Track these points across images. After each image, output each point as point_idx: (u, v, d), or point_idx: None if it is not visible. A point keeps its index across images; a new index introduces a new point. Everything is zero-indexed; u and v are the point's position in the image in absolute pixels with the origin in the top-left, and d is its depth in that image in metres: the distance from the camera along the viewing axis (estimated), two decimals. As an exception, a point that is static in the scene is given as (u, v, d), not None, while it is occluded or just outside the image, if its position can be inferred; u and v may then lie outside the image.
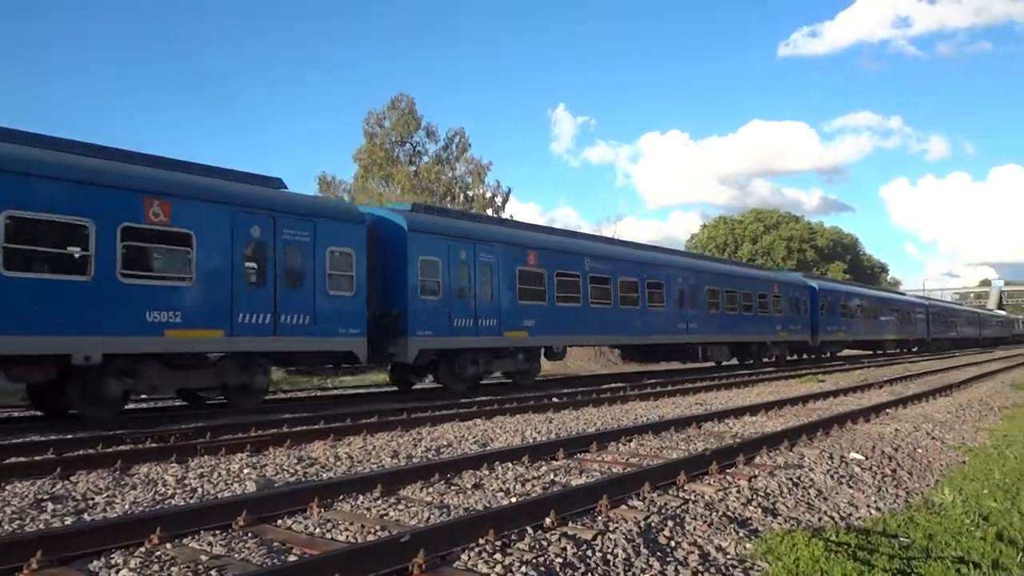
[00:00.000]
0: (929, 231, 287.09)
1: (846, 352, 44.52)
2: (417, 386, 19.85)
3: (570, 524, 5.46)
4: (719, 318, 28.80)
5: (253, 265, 14.12)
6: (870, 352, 46.90)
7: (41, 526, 5.69)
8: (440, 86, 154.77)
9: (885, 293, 56.20)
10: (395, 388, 19.79)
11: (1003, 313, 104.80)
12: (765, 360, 33.01)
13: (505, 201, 54.09)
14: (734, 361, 31.69)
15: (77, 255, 11.90)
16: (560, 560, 4.65)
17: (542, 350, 21.50)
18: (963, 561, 4.67)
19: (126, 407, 13.84)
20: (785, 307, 33.50)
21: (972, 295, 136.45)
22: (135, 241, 12.45)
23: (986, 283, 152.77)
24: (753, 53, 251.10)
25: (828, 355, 39.51)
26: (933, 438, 10.42)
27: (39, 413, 13.81)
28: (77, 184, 11.77)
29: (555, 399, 15.70)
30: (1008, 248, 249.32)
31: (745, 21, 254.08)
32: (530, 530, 5.22)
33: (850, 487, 7.18)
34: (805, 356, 37.54)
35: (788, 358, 35.32)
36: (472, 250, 18.42)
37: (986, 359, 39.17)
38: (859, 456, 8.60)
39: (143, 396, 15.35)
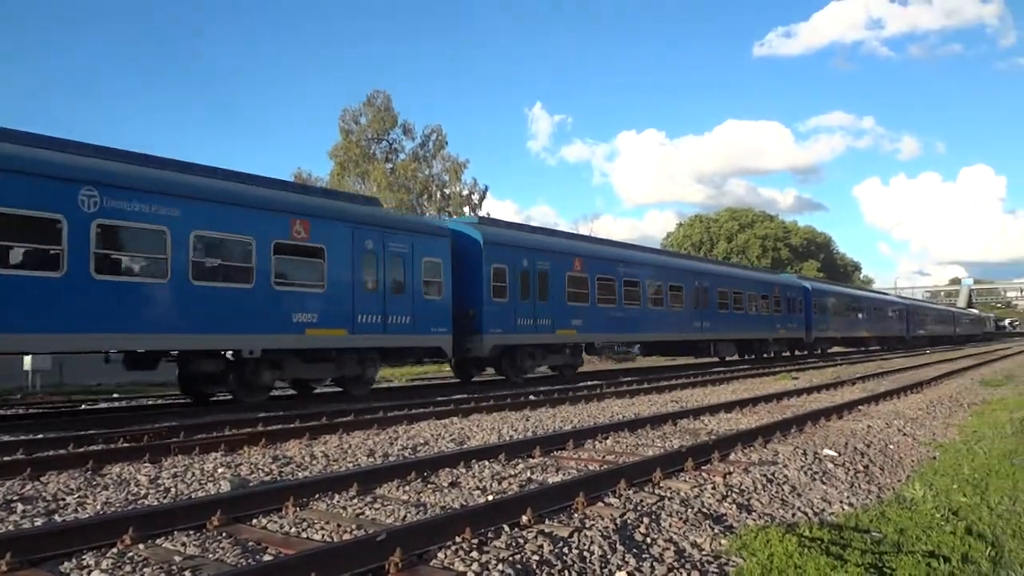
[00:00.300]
0: (901, 230, 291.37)
1: (834, 350, 46.59)
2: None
3: (547, 522, 5.46)
4: (728, 317, 30.94)
5: (368, 274, 16.57)
6: (861, 348, 49.73)
7: (11, 527, 5.60)
8: (417, 83, 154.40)
9: (870, 294, 59.56)
10: (458, 380, 22.21)
11: (975, 312, 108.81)
12: (765, 356, 35.01)
13: (482, 199, 54.11)
14: (729, 359, 33.57)
15: (244, 267, 14.23)
16: (537, 558, 4.65)
17: (583, 346, 23.99)
18: (933, 555, 4.73)
19: (94, 407, 13.85)
20: (784, 307, 35.69)
21: (943, 293, 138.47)
22: (283, 254, 14.92)
23: (956, 281, 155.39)
24: (729, 53, 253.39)
25: (819, 351, 41.65)
26: (904, 434, 10.55)
27: (188, 400, 16.25)
28: (246, 208, 14.39)
29: (532, 397, 15.72)
30: (977, 247, 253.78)
31: (721, 21, 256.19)
32: (507, 528, 5.22)
33: (823, 483, 7.26)
34: (798, 352, 39.55)
35: (784, 354, 37.41)
36: (532, 258, 20.99)
37: (956, 356, 39.75)
38: (832, 452, 8.69)
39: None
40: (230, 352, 14.28)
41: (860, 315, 47.79)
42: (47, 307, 11.57)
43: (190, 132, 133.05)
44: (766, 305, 34.28)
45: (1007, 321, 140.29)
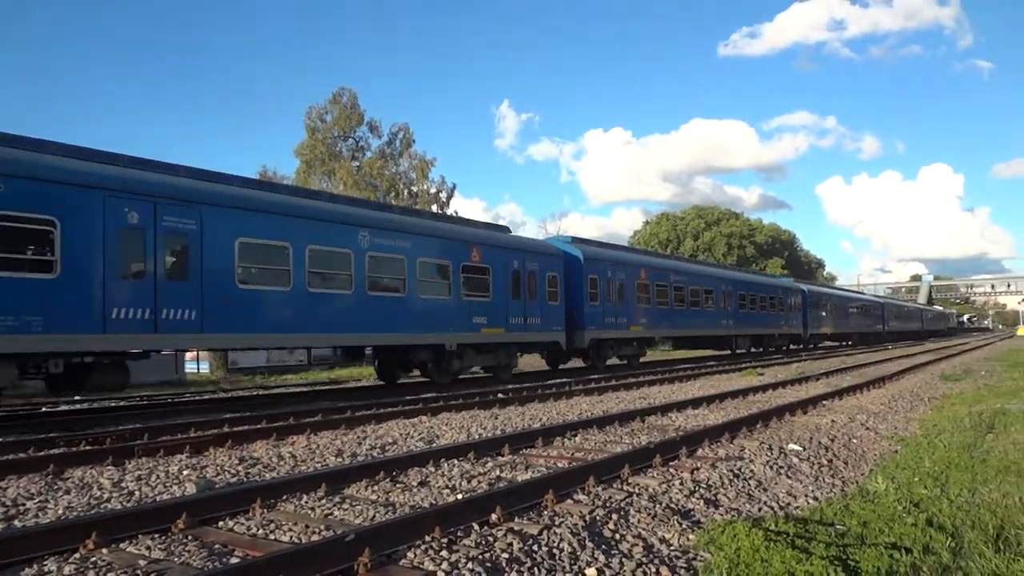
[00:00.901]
0: (863, 228, 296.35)
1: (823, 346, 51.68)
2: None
3: (516, 519, 5.47)
4: (745, 317, 36.74)
5: (515, 286, 21.85)
6: (847, 343, 55.56)
7: (-32, 533, 5.48)
8: (384, 81, 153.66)
9: (855, 295, 67.80)
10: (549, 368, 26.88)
11: (940, 308, 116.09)
12: (771, 349, 41.01)
13: (450, 197, 53.99)
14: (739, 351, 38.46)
15: (446, 283, 19.62)
16: (506, 555, 4.66)
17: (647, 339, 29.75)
18: (896, 547, 4.82)
19: (58, 408, 13.57)
20: (786, 308, 41.91)
21: (904, 290, 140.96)
22: (466, 273, 20.11)
23: (917, 278, 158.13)
24: (694, 53, 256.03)
25: (813, 345, 47.59)
26: (867, 428, 10.73)
27: (382, 382, 20.97)
28: (449, 240, 20.03)
29: (500, 395, 15.73)
30: (936, 244, 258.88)
31: (685, 22, 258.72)
32: (476, 526, 5.22)
33: (789, 477, 7.36)
34: (795, 347, 44.96)
35: (784, 348, 43.34)
36: (613, 270, 26.64)
37: (917, 351, 40.50)
38: (797, 447, 8.82)
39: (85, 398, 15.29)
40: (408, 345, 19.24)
41: (847, 313, 54.68)
42: (341, 315, 16.68)
43: (155, 127, 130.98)
44: (772, 306, 40.20)
45: (965, 316, 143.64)
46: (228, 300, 14.20)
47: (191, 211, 13.73)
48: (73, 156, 12.94)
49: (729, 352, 36.47)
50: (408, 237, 18.38)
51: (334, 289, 16.58)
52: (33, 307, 11.58)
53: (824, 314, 47.66)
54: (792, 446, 8.86)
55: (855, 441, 9.61)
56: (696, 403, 13.56)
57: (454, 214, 26.11)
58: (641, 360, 29.23)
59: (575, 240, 27.10)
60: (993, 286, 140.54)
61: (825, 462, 8.16)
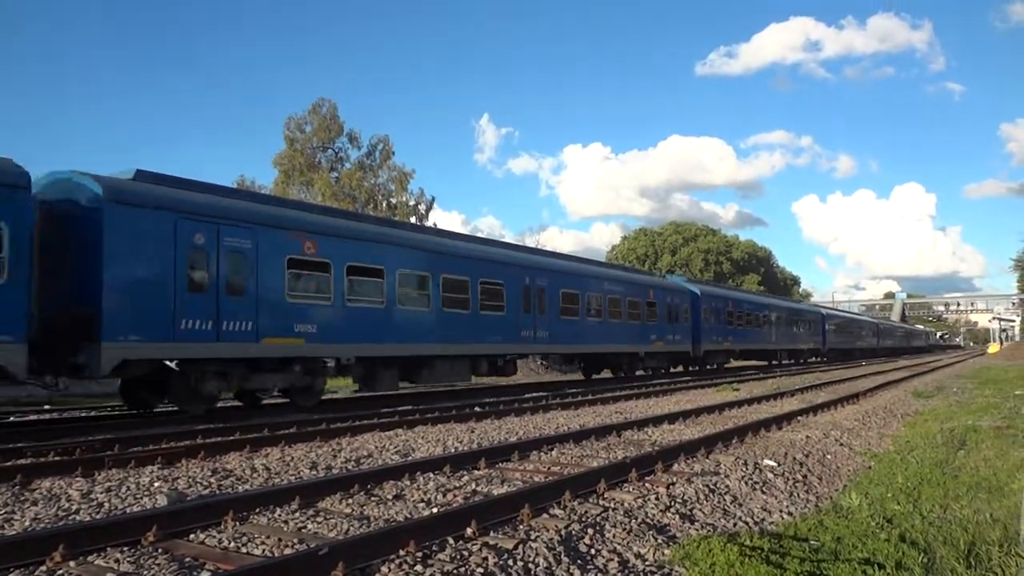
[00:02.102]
0: (837, 245, 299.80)
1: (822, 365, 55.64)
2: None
3: (491, 534, 5.45)
4: (784, 335, 46.71)
5: (669, 314, 31.39)
6: (854, 356, 63.66)
7: (-69, 546, 5.35)
8: (364, 93, 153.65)
9: (860, 316, 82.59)
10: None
11: (920, 327, 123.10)
12: (802, 361, 51.06)
13: (429, 209, 54.00)
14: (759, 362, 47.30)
15: (639, 313, 29.33)
16: (481, 570, 4.63)
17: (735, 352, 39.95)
18: (869, 562, 4.85)
19: (24, 419, 13.36)
20: (811, 328, 52.56)
21: (877, 307, 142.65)
22: (648, 307, 29.93)
23: (890, 296, 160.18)
24: (671, 71, 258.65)
25: (829, 358, 55.95)
26: (841, 444, 10.81)
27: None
28: (640, 285, 30.55)
29: (478, 408, 15.68)
30: (909, 263, 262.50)
31: (663, 40, 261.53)
32: (451, 540, 5.19)
33: (764, 493, 7.39)
34: (815, 359, 54.36)
35: (807, 360, 52.67)
36: (715, 302, 36.63)
37: (890, 368, 40.91)
38: (772, 463, 8.85)
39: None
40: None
41: (853, 332, 66.50)
42: (463, 329, 20.04)
43: (130, 133, 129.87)
44: (805, 327, 51.08)
45: (939, 334, 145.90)
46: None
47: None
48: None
49: (772, 362, 46.56)
50: (615, 283, 28.44)
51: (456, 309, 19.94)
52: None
53: (837, 334, 59.65)
54: (767, 461, 8.90)
55: (829, 457, 9.67)
56: (672, 418, 13.59)
57: (433, 225, 27.04)
58: (725, 366, 39.71)
59: (690, 280, 40.65)
60: (972, 303, 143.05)
61: (800, 478, 8.20)
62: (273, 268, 14.86)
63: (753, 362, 45.86)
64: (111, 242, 12.45)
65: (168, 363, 13.29)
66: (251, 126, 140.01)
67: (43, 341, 11.90)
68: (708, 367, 36.67)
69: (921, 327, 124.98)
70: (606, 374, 30.06)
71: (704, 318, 34.36)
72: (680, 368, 35.35)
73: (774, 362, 46.40)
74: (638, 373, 30.47)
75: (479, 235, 33.17)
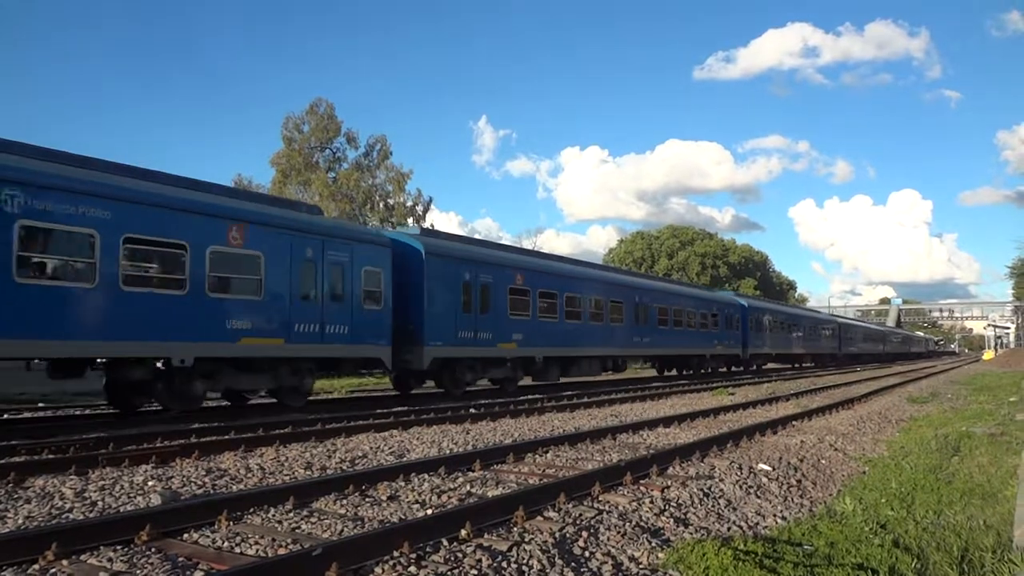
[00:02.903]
0: (834, 250, 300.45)
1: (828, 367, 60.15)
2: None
3: (486, 535, 5.44)
4: (810, 341, 53.77)
5: (728, 323, 37.49)
6: (862, 362, 69.84)
7: (-77, 543, 5.33)
8: (362, 93, 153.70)
9: (870, 325, 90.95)
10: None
11: (921, 334, 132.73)
12: (824, 364, 57.52)
13: (426, 210, 53.96)
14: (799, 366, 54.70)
15: (704, 325, 35.63)
16: (475, 572, 4.63)
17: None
18: (862, 567, 4.86)
19: (17, 416, 13.36)
20: (830, 336, 60.18)
21: (873, 312, 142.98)
22: (714, 317, 36.63)
23: (886, 301, 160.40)
24: (669, 75, 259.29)
25: (846, 364, 61.72)
26: (836, 449, 10.82)
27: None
28: (706, 300, 37.80)
29: (472, 410, 15.68)
30: (905, 269, 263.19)
31: (661, 44, 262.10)
32: (445, 542, 5.18)
33: (758, 497, 7.39)
34: (831, 363, 59.93)
35: (827, 363, 59.12)
36: (762, 314, 43.61)
37: (885, 374, 41.02)
38: (767, 467, 8.87)
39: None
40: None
41: (864, 340, 75.12)
42: (599, 337, 26.10)
43: (128, 132, 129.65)
44: (825, 335, 58.72)
45: (935, 341, 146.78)
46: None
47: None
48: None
49: (795, 365, 53.93)
50: (690, 300, 34.74)
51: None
52: None
53: (853, 342, 68.41)
54: (762, 466, 8.91)
55: (824, 462, 9.69)
56: (667, 421, 13.60)
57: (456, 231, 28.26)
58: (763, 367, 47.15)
59: (738, 294, 49.04)
60: (968, 310, 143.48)
61: (794, 482, 8.21)
62: (498, 294, 21.71)
63: (775, 365, 51.66)
64: (428, 282, 19.11)
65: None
66: (249, 125, 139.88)
67: (393, 346, 18.13)
68: (752, 368, 43.79)
69: (921, 334, 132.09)
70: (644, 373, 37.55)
71: (750, 327, 41.09)
72: (728, 368, 41.43)
73: (798, 365, 54.46)
74: (702, 372, 36.85)
75: (548, 252, 36.52)
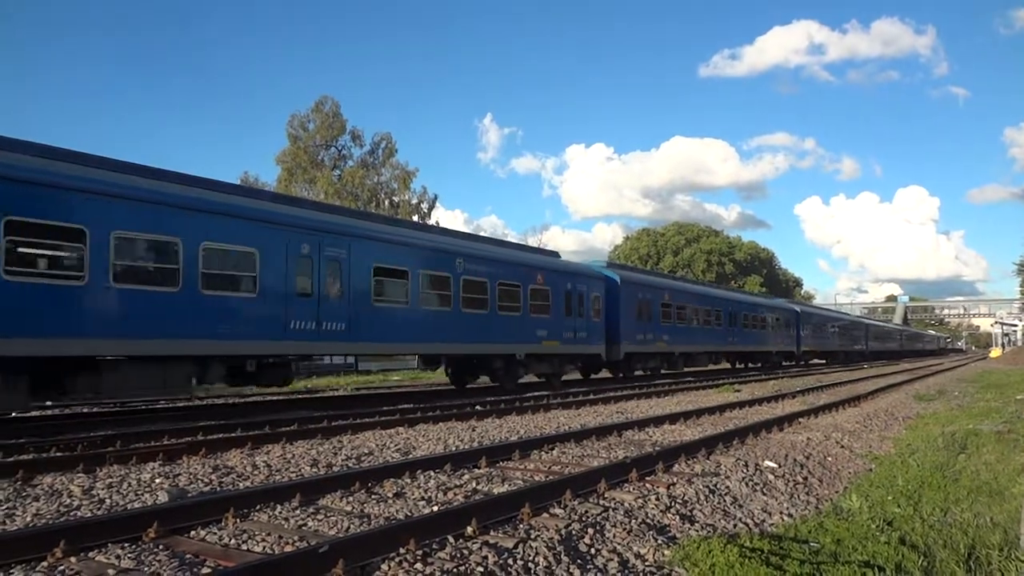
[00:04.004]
0: (840, 248, 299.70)
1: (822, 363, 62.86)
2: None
3: (492, 532, 5.45)
4: (846, 340, 61.66)
5: (787, 326, 46.47)
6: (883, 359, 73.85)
7: (-67, 540, 5.36)
8: (367, 91, 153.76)
9: (889, 325, 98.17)
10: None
11: (934, 333, 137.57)
12: (845, 361, 60.67)
13: (431, 208, 54.04)
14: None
15: (787, 328, 46.01)
16: (481, 569, 4.64)
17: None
18: (869, 565, 4.85)
19: (25, 415, 13.46)
20: (856, 336, 66.74)
21: (880, 310, 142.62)
22: (775, 319, 44.85)
23: (892, 299, 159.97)
24: (675, 72, 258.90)
25: (872, 361, 65.37)
26: (842, 447, 10.80)
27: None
28: (782, 310, 47.56)
29: (478, 407, 15.69)
30: (912, 266, 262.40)
31: (666, 41, 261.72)
32: (451, 539, 5.19)
33: (764, 494, 7.39)
34: (859, 359, 65.00)
35: (854, 360, 63.42)
36: (811, 319, 51.05)
37: (891, 371, 40.89)
38: (773, 464, 8.86)
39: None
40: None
41: (884, 339, 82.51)
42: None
43: (133, 129, 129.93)
44: (855, 335, 65.89)
45: (944, 338, 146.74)
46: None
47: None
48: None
49: (829, 360, 57.92)
50: (765, 308, 43.15)
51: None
52: None
53: (878, 340, 76.72)
54: (768, 463, 8.90)
55: (830, 459, 9.67)
56: (673, 418, 13.59)
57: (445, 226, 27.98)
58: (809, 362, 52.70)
59: (790, 300, 59.57)
60: (975, 307, 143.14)
61: (800, 479, 8.20)
62: (655, 308, 29.65)
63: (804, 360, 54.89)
64: (622, 301, 27.00)
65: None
66: (254, 123, 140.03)
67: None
68: (803, 363, 50.32)
69: (933, 332, 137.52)
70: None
71: (802, 329, 48.69)
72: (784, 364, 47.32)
73: (834, 361, 59.14)
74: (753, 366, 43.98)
75: (524, 241, 42.06)
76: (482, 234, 33.08)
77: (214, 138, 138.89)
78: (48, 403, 17.34)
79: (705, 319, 34.59)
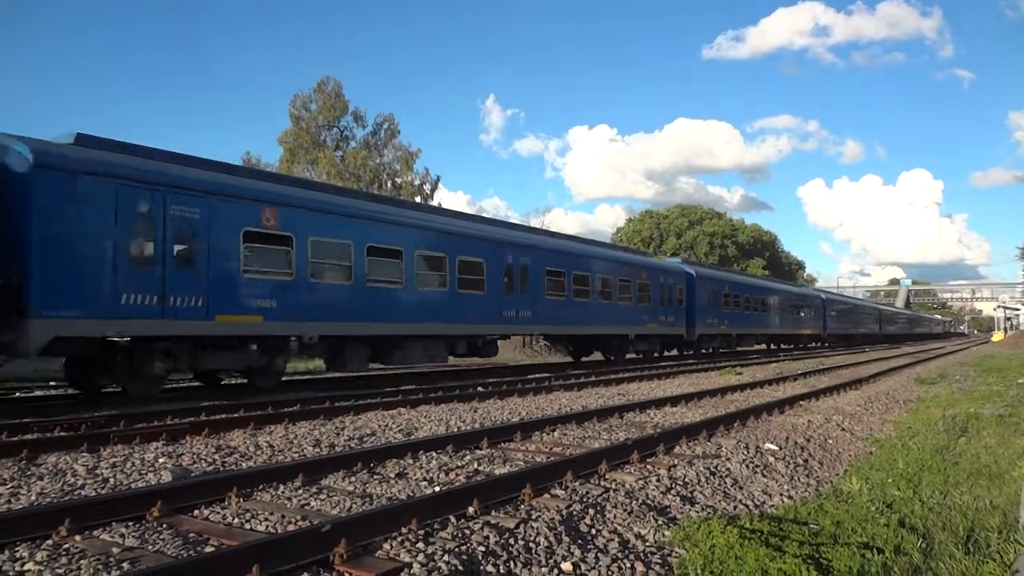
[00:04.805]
0: (843, 231, 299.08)
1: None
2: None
3: (493, 513, 5.48)
4: (865, 324, 68.57)
5: (806, 311, 50.57)
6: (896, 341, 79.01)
7: (-61, 518, 5.41)
8: (369, 72, 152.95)
9: (901, 311, 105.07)
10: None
11: (940, 317, 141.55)
12: (861, 344, 63.39)
13: (434, 189, 53.87)
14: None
15: (806, 315, 50.17)
16: (483, 548, 4.67)
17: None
18: (868, 546, 4.88)
19: (29, 395, 13.49)
20: (872, 321, 72.04)
21: (882, 293, 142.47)
22: (794, 304, 48.66)
23: (895, 282, 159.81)
24: (678, 54, 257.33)
25: (887, 343, 70.31)
26: (843, 429, 10.83)
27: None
28: (807, 296, 53.64)
29: (480, 388, 15.73)
30: (915, 249, 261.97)
31: (669, 23, 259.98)
32: (453, 519, 5.22)
33: (764, 476, 7.42)
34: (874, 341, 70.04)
35: (868, 343, 66.90)
36: (832, 305, 57.07)
37: (893, 355, 40.91)
38: (773, 446, 8.89)
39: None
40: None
41: (894, 323, 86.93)
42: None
43: (135, 109, 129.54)
44: (873, 320, 72.24)
45: (949, 321, 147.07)
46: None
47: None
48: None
49: (850, 344, 61.29)
50: (800, 299, 48.65)
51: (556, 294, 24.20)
52: None
53: (891, 324, 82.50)
54: (768, 445, 8.93)
55: (831, 442, 9.70)
56: (674, 401, 13.62)
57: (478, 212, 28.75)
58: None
59: (818, 289, 65.81)
60: (978, 291, 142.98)
61: (801, 462, 8.23)
62: (718, 296, 35.51)
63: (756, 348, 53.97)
64: (696, 292, 32.77)
65: None
66: (255, 104, 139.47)
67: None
68: (827, 344, 55.10)
69: (939, 316, 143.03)
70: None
71: (828, 315, 53.96)
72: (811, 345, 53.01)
73: (852, 343, 63.21)
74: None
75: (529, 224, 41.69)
76: (553, 229, 35.76)
77: (215, 117, 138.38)
78: (51, 383, 17.46)
79: (755, 307, 40.84)
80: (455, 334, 19.63)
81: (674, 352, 34.52)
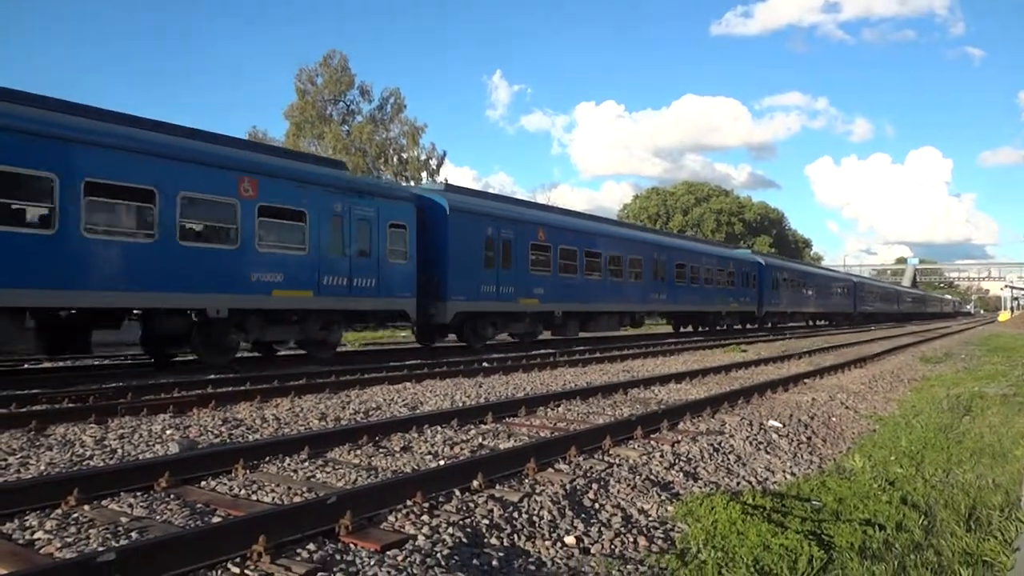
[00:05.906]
0: (850, 209, 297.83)
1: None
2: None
3: (497, 487, 5.52)
4: (887, 304, 75.29)
5: (843, 293, 60.69)
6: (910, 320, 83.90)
7: (-51, 486, 5.47)
8: (375, 46, 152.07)
9: (915, 291, 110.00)
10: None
11: (949, 296, 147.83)
12: (891, 322, 70.02)
13: (440, 164, 53.69)
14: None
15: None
16: (487, 522, 4.71)
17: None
18: (870, 523, 4.90)
19: (38, 366, 13.58)
20: (892, 299, 79.03)
21: (889, 272, 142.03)
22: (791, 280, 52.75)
23: (902, 261, 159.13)
24: (686, 30, 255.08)
25: (903, 320, 78.05)
26: (847, 407, 10.85)
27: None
28: (814, 275, 56.01)
29: (485, 364, 15.78)
30: (922, 228, 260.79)
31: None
32: (457, 492, 5.26)
33: (768, 453, 7.45)
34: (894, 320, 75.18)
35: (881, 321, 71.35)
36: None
37: (899, 333, 40.90)
38: (777, 424, 8.91)
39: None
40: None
41: (909, 302, 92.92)
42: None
43: (139, 83, 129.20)
44: (891, 300, 79.03)
45: (958, 301, 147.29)
46: None
47: None
48: None
49: (871, 324, 64.57)
50: (833, 282, 57.87)
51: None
52: None
53: (911, 303, 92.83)
54: (772, 422, 8.96)
55: (834, 419, 9.72)
56: (679, 377, 13.65)
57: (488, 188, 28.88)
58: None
59: (848, 273, 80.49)
60: (983, 271, 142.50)
61: (804, 439, 8.26)
62: (767, 279, 41.28)
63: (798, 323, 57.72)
64: (764, 277, 41.12)
65: None
66: (263, 78, 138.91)
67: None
68: (859, 321, 61.30)
69: (949, 296, 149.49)
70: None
71: (858, 296, 61.57)
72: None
73: (878, 321, 68.56)
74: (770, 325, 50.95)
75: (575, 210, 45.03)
76: (599, 214, 42.98)
77: (222, 91, 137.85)
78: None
79: (803, 288, 48.22)
80: (626, 310, 28.36)
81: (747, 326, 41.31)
